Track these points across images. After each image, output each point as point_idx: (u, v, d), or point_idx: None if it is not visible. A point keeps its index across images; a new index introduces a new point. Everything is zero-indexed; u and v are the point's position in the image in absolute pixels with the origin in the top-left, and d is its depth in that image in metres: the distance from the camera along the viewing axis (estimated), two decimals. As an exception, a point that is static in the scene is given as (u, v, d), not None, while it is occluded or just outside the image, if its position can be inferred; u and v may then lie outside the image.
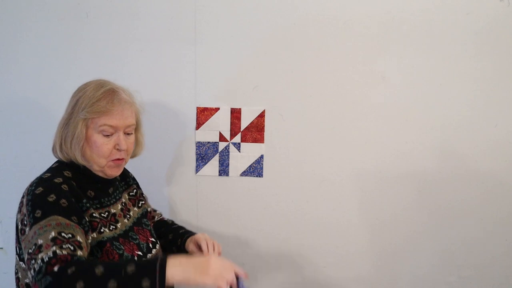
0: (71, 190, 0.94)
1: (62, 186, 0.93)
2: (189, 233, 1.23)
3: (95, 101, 0.97)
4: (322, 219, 1.55)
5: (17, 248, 0.97)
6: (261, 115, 1.50)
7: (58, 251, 0.80)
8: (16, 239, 0.97)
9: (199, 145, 1.53)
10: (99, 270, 0.78)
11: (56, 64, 1.51)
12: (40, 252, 0.80)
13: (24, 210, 0.89)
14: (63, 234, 0.84)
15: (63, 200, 0.90)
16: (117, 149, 1.01)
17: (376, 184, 1.51)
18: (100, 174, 1.04)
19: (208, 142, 1.53)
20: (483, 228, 1.51)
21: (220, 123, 1.51)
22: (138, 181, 1.30)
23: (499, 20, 1.38)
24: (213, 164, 1.54)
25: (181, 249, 1.19)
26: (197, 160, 1.54)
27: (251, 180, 1.54)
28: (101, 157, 1.00)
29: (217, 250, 1.14)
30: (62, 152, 1.00)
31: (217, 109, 1.50)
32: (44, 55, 1.51)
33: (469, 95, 1.43)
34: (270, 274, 1.61)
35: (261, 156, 1.52)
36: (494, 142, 1.45)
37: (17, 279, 0.99)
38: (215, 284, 0.83)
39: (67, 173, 0.98)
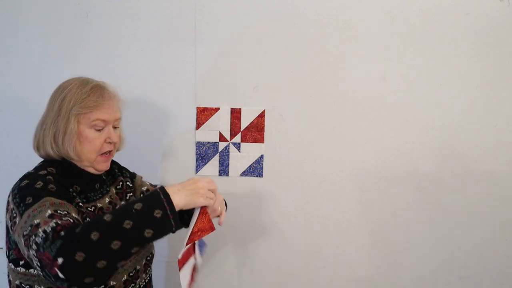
0: (56, 181, 0.94)
1: (47, 177, 0.93)
2: None
3: (86, 96, 0.99)
4: (322, 219, 1.55)
5: (7, 250, 0.97)
6: (261, 115, 1.50)
7: (59, 222, 0.78)
8: (6, 241, 0.97)
9: (199, 145, 1.53)
10: (108, 217, 0.78)
11: (56, 64, 1.51)
12: (39, 228, 0.77)
13: (11, 205, 0.88)
14: (59, 211, 0.83)
15: (51, 185, 0.90)
16: (108, 142, 1.03)
17: (376, 184, 1.51)
18: (90, 170, 1.04)
19: (208, 142, 1.53)
20: (483, 228, 1.51)
21: (220, 123, 1.51)
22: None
23: (499, 20, 1.38)
24: (213, 164, 1.54)
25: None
26: (197, 160, 1.54)
27: (251, 180, 1.54)
28: (92, 152, 1.01)
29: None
30: (52, 149, 1.00)
31: (217, 109, 1.50)
32: (44, 55, 1.51)
33: (469, 95, 1.43)
34: (270, 274, 1.61)
35: (261, 156, 1.52)
36: (494, 142, 1.45)
37: (9, 281, 0.99)
38: (205, 203, 0.92)
39: (50, 169, 0.98)
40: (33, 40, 1.50)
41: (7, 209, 0.91)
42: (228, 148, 1.53)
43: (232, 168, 1.53)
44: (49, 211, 0.82)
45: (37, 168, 1.00)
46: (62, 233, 0.75)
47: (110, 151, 1.06)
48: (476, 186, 1.48)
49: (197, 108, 1.51)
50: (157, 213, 0.80)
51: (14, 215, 0.86)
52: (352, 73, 1.45)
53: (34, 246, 0.76)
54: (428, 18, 1.40)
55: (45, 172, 0.95)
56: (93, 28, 1.48)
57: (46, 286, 0.92)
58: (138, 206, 0.80)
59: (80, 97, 0.99)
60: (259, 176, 1.53)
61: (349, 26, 1.42)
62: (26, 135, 1.56)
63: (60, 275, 0.71)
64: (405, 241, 1.54)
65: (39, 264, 0.75)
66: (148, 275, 1.14)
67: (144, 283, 1.11)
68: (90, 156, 1.01)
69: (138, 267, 1.07)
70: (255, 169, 1.53)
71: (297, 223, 1.55)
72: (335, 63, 1.45)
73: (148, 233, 0.78)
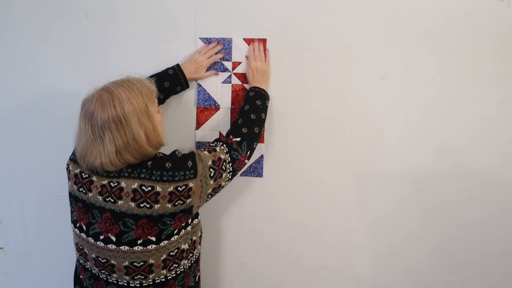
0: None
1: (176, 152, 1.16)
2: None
3: (147, 88, 1.08)
4: (322, 219, 1.55)
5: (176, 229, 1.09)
6: (261, 115, 1.49)
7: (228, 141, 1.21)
8: (177, 218, 1.07)
9: (199, 145, 1.52)
10: (253, 115, 1.28)
11: (56, 64, 1.51)
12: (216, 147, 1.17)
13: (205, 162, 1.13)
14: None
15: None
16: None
17: (376, 184, 1.51)
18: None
19: (208, 142, 1.52)
20: (483, 228, 1.51)
21: (220, 123, 1.51)
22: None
23: (499, 20, 1.38)
24: (213, 164, 1.53)
25: None
26: (197, 160, 1.53)
27: (251, 180, 1.54)
28: (162, 132, 1.13)
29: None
30: (151, 147, 1.07)
31: (217, 109, 1.50)
32: (44, 55, 1.51)
33: (469, 95, 1.43)
34: (269, 274, 1.61)
35: (261, 156, 1.52)
36: (494, 142, 1.45)
37: (181, 251, 1.10)
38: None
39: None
40: (32, 40, 1.50)
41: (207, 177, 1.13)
42: (228, 148, 1.52)
43: (232, 168, 1.53)
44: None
45: (166, 157, 1.11)
46: (235, 138, 1.20)
47: None
48: (476, 186, 1.48)
49: (197, 108, 1.51)
50: (268, 103, 1.38)
51: (215, 168, 1.14)
52: (352, 73, 1.45)
53: (232, 146, 1.19)
54: (428, 18, 1.40)
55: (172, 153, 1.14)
56: (93, 28, 1.48)
57: (198, 235, 1.19)
58: (260, 102, 1.32)
59: (148, 90, 1.08)
60: (259, 176, 1.53)
61: (349, 25, 1.42)
62: (26, 135, 1.57)
63: (247, 161, 1.23)
64: (405, 241, 1.54)
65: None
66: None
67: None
68: (163, 136, 1.13)
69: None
70: (255, 169, 1.53)
71: (296, 223, 1.56)
72: (335, 63, 1.45)
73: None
